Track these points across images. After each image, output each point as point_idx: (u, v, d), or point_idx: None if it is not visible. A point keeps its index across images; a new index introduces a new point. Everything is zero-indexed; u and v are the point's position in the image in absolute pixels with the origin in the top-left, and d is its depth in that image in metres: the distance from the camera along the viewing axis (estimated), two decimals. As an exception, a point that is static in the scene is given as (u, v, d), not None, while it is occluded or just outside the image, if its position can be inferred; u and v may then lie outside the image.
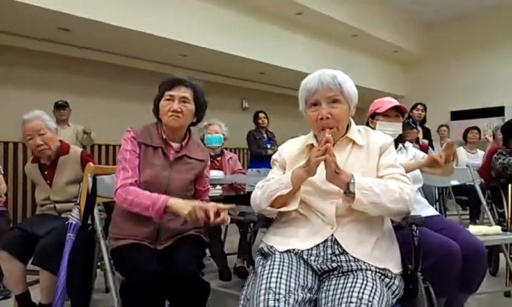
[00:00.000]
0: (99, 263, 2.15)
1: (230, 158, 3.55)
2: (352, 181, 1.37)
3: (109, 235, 1.89)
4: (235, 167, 3.51)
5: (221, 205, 1.66)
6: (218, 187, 3.40)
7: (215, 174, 3.38)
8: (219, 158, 3.50)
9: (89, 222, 2.07)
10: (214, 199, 3.21)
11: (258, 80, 8.02)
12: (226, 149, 5.38)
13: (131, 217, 1.80)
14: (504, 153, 3.20)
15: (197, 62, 6.55)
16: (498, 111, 8.44)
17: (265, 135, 5.77)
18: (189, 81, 1.93)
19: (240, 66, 6.89)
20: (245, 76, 7.73)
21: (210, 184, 3.27)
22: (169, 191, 1.82)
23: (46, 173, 2.50)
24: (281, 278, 1.26)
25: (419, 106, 5.66)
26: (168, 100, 1.87)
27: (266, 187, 1.52)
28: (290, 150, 1.63)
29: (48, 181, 2.49)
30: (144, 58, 6.29)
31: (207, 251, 3.07)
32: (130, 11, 5.06)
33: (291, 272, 1.30)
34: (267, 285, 1.24)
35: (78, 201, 2.20)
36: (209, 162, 2.07)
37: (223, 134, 3.52)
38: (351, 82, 1.57)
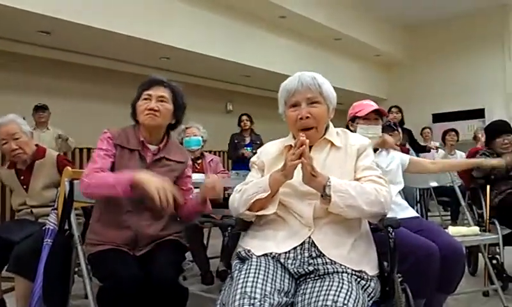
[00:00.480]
0: (76, 269, 2.11)
1: (211, 160, 3.53)
2: (328, 184, 1.37)
3: (87, 240, 1.86)
4: (217, 169, 3.49)
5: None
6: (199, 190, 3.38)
7: (196, 177, 3.36)
8: (199, 161, 3.48)
9: (67, 227, 2.04)
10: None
11: (242, 83, 8.02)
12: (210, 152, 5.38)
13: (109, 223, 1.79)
14: (487, 153, 3.25)
15: (180, 65, 6.52)
16: (479, 113, 8.59)
17: (247, 138, 5.76)
18: (167, 82, 1.92)
19: (224, 68, 6.88)
20: (229, 79, 7.73)
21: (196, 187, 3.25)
22: (147, 195, 1.78)
23: (22, 177, 2.45)
24: (257, 282, 1.25)
25: (393, 109, 5.72)
26: (145, 99, 1.85)
27: (244, 191, 1.51)
28: (268, 153, 1.62)
29: (24, 186, 2.44)
30: (126, 60, 6.23)
31: (190, 255, 3.11)
32: (112, 14, 5.01)
33: (267, 276, 1.29)
34: (243, 290, 1.23)
35: (55, 206, 2.16)
36: (190, 163, 2.05)
37: (202, 137, 3.49)
38: (330, 84, 1.59)
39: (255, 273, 1.29)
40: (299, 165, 1.40)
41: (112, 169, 1.81)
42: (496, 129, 3.24)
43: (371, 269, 1.40)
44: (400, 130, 5.54)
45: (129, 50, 5.79)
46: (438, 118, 8.87)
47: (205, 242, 3.47)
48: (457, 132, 5.97)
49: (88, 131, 5.44)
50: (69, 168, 2.21)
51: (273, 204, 1.47)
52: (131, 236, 1.78)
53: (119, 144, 1.85)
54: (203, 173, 3.40)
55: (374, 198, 1.41)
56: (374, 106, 2.31)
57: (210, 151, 5.66)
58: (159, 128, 1.90)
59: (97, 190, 1.73)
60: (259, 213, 1.48)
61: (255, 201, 1.47)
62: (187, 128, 3.50)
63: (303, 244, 1.40)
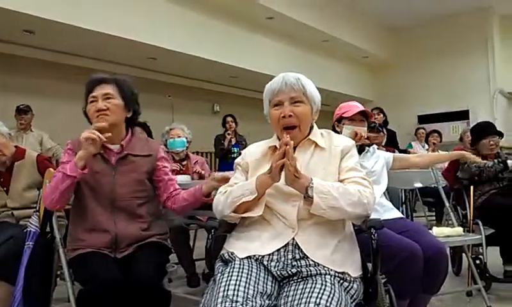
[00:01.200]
0: (59, 272, 2.08)
1: (196, 161, 3.51)
2: (310, 185, 1.37)
3: (67, 246, 1.83)
4: (203, 169, 3.47)
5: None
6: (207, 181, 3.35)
7: (181, 179, 3.34)
8: (184, 162, 3.46)
9: (48, 229, 2.01)
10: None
11: (229, 84, 8.01)
12: (197, 153, 5.35)
13: (86, 227, 1.77)
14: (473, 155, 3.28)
15: (166, 66, 6.48)
16: (463, 115, 8.70)
17: (232, 140, 5.74)
18: (110, 77, 1.88)
19: (211, 69, 6.86)
20: (216, 80, 7.71)
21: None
22: (116, 196, 1.78)
23: (2, 179, 2.40)
24: (239, 285, 1.25)
25: (374, 111, 5.83)
26: (92, 102, 1.83)
27: (229, 193, 1.50)
28: (253, 154, 1.62)
29: (4, 188, 2.39)
30: (112, 61, 6.16)
31: (175, 257, 3.08)
32: (98, 13, 4.95)
33: (250, 279, 1.29)
34: (225, 293, 1.22)
35: (37, 208, 2.13)
36: (162, 154, 1.98)
37: (186, 138, 3.47)
38: (314, 85, 1.59)
39: (237, 276, 1.29)
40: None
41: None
42: (482, 130, 3.28)
43: (354, 270, 1.40)
44: (385, 131, 5.63)
45: (115, 51, 5.74)
46: (423, 119, 8.95)
47: (191, 243, 3.45)
48: (440, 134, 6.19)
49: (72, 132, 5.36)
50: (51, 169, 2.18)
51: (259, 207, 1.46)
52: (111, 239, 1.75)
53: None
54: (188, 174, 3.38)
55: (356, 200, 1.41)
56: (361, 108, 2.34)
57: (197, 152, 5.65)
58: (115, 127, 1.84)
59: (54, 191, 1.72)
60: (245, 215, 1.47)
61: (241, 203, 1.46)
62: (171, 129, 3.48)
63: (286, 245, 1.39)
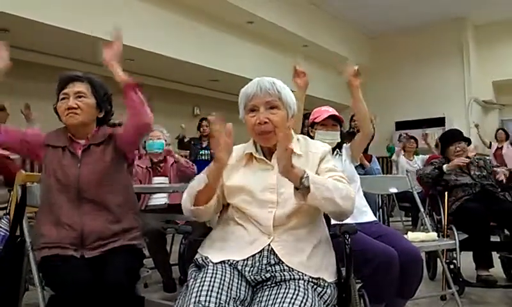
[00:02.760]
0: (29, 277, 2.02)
1: (173, 163, 3.48)
2: (306, 175, 1.34)
3: (35, 246, 1.78)
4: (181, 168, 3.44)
5: None
6: (163, 194, 3.32)
7: (159, 180, 3.30)
8: (162, 164, 3.42)
9: (18, 233, 1.94)
10: (157, 208, 3.17)
11: (210, 87, 7.98)
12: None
13: (50, 222, 1.73)
14: (437, 162, 3.36)
15: (145, 67, 6.40)
16: (440, 121, 8.89)
17: (204, 143, 5.69)
18: (84, 76, 1.87)
19: (191, 72, 6.83)
20: (197, 82, 7.67)
21: (153, 193, 3.20)
22: (82, 186, 1.76)
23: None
24: (211, 291, 1.23)
25: (355, 117, 5.86)
26: (63, 99, 1.82)
27: (190, 187, 1.49)
28: None
29: None
30: (89, 61, 6.05)
31: (151, 261, 3.04)
32: (74, 12, 4.87)
33: (223, 285, 1.27)
34: (197, 299, 1.20)
35: (7, 211, 2.07)
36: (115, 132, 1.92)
37: (165, 140, 3.44)
38: (289, 90, 1.58)
39: (210, 281, 1.27)
40: (260, 172, 1.42)
41: (47, 169, 1.81)
42: (449, 137, 3.37)
43: (330, 275, 1.40)
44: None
45: (92, 51, 5.61)
46: (400, 125, 9.11)
47: (168, 248, 3.41)
48: (416, 140, 6.32)
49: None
50: (22, 172, 2.13)
51: (214, 198, 1.44)
52: (76, 235, 1.71)
53: (50, 144, 1.83)
54: (166, 176, 3.35)
55: (345, 194, 1.41)
56: (331, 112, 2.36)
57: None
58: (84, 125, 1.84)
59: None
60: (201, 207, 1.44)
61: (200, 196, 1.43)
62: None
63: (262, 251, 1.38)
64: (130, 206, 1.88)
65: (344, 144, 2.50)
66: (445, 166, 3.19)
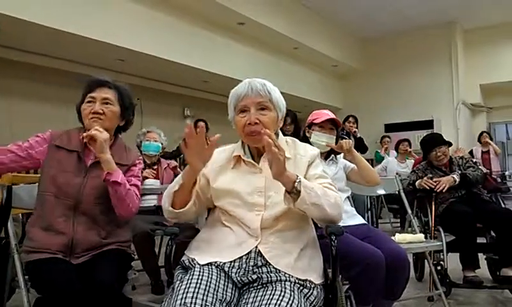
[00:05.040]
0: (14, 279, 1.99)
1: (167, 166, 3.48)
2: (298, 180, 1.36)
3: (23, 247, 1.76)
4: (173, 173, 3.44)
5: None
6: (153, 196, 3.31)
7: (150, 182, 3.29)
8: (155, 167, 3.42)
9: (3, 235, 1.92)
10: (147, 210, 3.16)
11: (201, 89, 7.95)
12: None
13: (43, 227, 1.70)
14: (420, 168, 3.39)
15: (135, 68, 6.38)
16: (428, 124, 8.96)
17: None
18: (112, 82, 1.86)
19: (181, 73, 6.80)
20: (187, 83, 7.64)
21: (144, 194, 3.18)
22: (82, 199, 1.72)
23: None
24: (198, 293, 1.23)
25: (350, 118, 5.93)
26: (89, 102, 1.80)
27: (168, 188, 1.49)
28: (214, 161, 1.56)
29: None
30: (79, 61, 6.01)
31: (139, 264, 3.02)
32: (64, 12, 4.81)
33: (209, 286, 1.27)
34: (182, 301, 1.20)
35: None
36: (137, 167, 1.93)
37: (161, 143, 3.44)
38: (279, 92, 1.58)
39: (196, 283, 1.27)
40: (248, 175, 1.43)
41: (44, 172, 1.77)
42: (429, 143, 3.39)
43: (317, 277, 1.41)
44: (352, 139, 5.73)
45: (81, 51, 5.59)
46: (389, 128, 9.17)
47: (156, 250, 3.39)
48: (409, 142, 6.40)
49: (33, 133, 5.21)
50: (9, 174, 2.09)
51: (192, 199, 1.44)
52: (66, 242, 1.69)
53: (58, 144, 1.78)
54: (158, 179, 3.34)
55: (333, 201, 1.42)
56: (330, 115, 2.39)
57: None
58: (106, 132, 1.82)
59: None
60: (180, 210, 1.44)
61: (176, 196, 1.44)
62: (148, 132, 3.44)
63: (249, 253, 1.39)
64: (123, 223, 1.87)
65: (342, 159, 2.52)
66: (417, 182, 3.22)
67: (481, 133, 7.87)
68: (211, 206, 1.57)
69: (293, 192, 1.35)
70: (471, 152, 7.54)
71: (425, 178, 3.19)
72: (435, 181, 3.13)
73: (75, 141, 1.80)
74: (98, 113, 1.77)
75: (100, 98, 1.79)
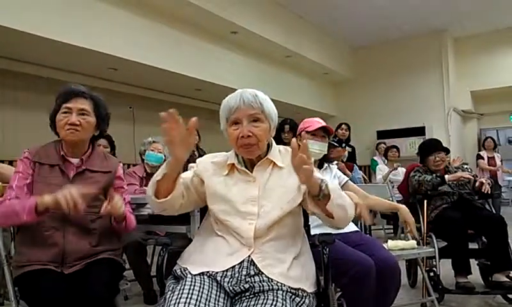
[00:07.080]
0: (3, 291, 1.97)
1: None
2: (324, 182, 1.36)
3: (13, 263, 1.73)
4: None
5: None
6: (148, 206, 3.29)
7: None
8: (154, 177, 3.41)
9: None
10: (139, 219, 3.13)
11: (193, 97, 7.96)
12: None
13: (33, 241, 1.69)
14: (421, 170, 3.41)
15: (128, 77, 6.36)
16: (420, 131, 9.03)
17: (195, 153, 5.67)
18: (88, 93, 1.84)
19: (174, 81, 6.79)
20: (180, 92, 7.64)
21: (139, 204, 3.17)
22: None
23: None
24: (189, 303, 1.22)
25: (343, 125, 5.98)
26: (65, 112, 1.78)
27: (153, 178, 1.47)
28: (207, 169, 1.57)
29: None
30: (71, 70, 5.99)
31: (131, 273, 3.00)
32: (56, 21, 4.80)
33: (201, 296, 1.26)
34: None
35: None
36: (120, 172, 1.95)
37: (165, 155, 3.43)
38: (271, 102, 1.58)
39: (188, 293, 1.26)
40: (240, 185, 1.44)
41: (33, 188, 1.73)
42: (428, 148, 3.43)
43: (310, 286, 1.41)
44: (345, 146, 5.75)
45: (75, 60, 5.58)
46: (382, 134, 9.23)
47: (148, 259, 3.37)
48: (398, 149, 6.46)
49: (25, 141, 5.17)
50: (0, 183, 2.08)
51: (176, 190, 1.44)
52: (57, 253, 1.68)
53: (37, 161, 1.76)
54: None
55: (349, 201, 1.44)
56: (323, 123, 2.40)
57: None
58: (81, 142, 1.82)
59: (4, 220, 1.67)
60: (162, 200, 1.44)
61: (160, 185, 1.43)
62: (154, 142, 3.44)
63: (242, 262, 1.38)
64: (112, 230, 1.86)
65: (333, 166, 2.53)
66: (447, 176, 3.21)
67: (486, 138, 7.81)
68: (201, 205, 1.57)
69: (321, 196, 1.35)
70: (478, 155, 7.56)
71: (459, 172, 3.22)
72: (474, 176, 3.17)
73: (54, 155, 1.80)
74: (74, 125, 1.75)
75: (76, 109, 1.77)
